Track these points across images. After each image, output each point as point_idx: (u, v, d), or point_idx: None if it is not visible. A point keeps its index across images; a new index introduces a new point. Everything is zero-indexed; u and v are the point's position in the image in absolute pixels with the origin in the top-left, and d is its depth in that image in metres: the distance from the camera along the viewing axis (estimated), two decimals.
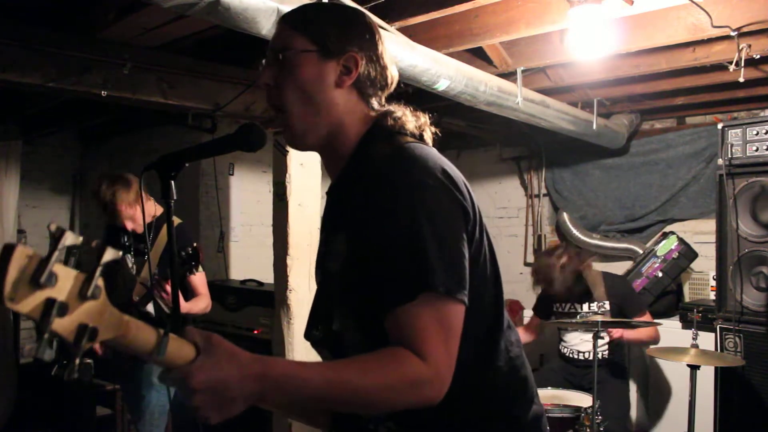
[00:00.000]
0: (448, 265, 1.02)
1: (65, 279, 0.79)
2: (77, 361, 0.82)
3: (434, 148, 1.16)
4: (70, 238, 0.80)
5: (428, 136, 1.21)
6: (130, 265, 3.00)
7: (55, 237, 0.79)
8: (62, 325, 0.79)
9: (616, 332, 3.39)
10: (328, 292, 1.20)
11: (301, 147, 1.21)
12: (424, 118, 1.22)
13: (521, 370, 1.20)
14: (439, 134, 1.24)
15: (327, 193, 1.26)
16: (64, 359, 0.83)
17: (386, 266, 1.03)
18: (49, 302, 0.77)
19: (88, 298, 0.81)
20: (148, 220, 3.03)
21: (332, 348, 1.19)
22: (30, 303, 0.76)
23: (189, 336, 0.93)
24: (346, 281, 1.12)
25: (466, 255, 1.06)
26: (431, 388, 0.99)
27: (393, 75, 1.24)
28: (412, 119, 1.19)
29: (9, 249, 0.74)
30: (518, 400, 1.19)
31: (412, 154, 1.09)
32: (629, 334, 3.46)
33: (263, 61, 1.20)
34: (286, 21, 1.21)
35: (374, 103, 1.21)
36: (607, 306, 3.54)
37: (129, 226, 2.98)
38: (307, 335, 1.22)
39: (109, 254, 0.83)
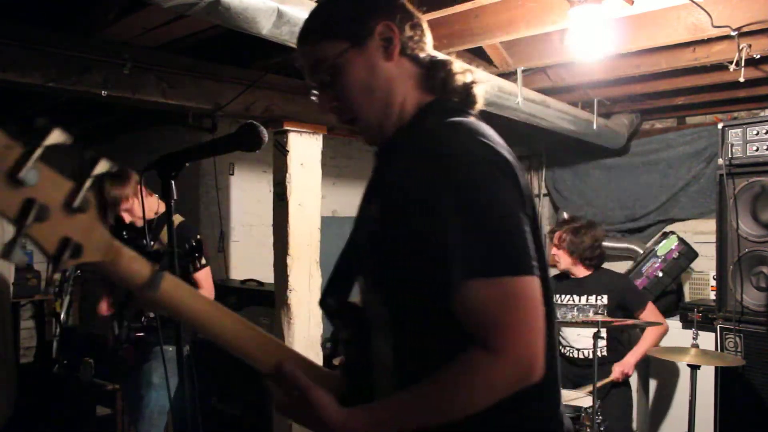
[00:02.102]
0: (511, 246, 0.96)
1: (49, 182, 0.70)
2: (56, 276, 0.76)
3: (486, 125, 1.09)
4: (55, 136, 0.70)
5: (479, 94, 1.15)
6: None
7: (40, 132, 0.69)
8: (42, 232, 0.70)
9: (619, 374, 3.36)
10: (350, 263, 1.15)
11: (384, 139, 1.16)
12: (476, 74, 1.16)
13: (558, 374, 1.12)
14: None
15: (375, 154, 1.21)
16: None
17: (439, 253, 0.96)
18: (28, 202, 0.68)
19: (75, 209, 0.72)
20: (150, 216, 3.03)
21: (346, 319, 1.14)
22: (5, 200, 0.67)
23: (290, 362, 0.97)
24: (376, 256, 1.06)
25: (529, 233, 0.98)
26: (516, 375, 0.94)
27: (422, 19, 1.17)
28: (460, 75, 1.13)
29: None
30: (557, 407, 1.10)
31: (467, 129, 1.03)
32: (640, 349, 3.43)
33: (313, 92, 1.15)
34: (304, 40, 1.15)
35: (422, 57, 1.15)
36: (605, 300, 3.53)
37: (126, 218, 2.97)
38: (322, 303, 1.17)
39: (103, 165, 0.75)
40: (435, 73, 1.14)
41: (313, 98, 1.15)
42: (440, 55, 1.16)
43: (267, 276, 3.86)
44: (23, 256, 0.68)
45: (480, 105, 1.15)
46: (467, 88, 1.14)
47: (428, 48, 1.17)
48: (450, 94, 1.14)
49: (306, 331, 3.43)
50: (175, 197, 1.22)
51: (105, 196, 2.89)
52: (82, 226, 0.74)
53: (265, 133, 1.21)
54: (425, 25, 1.17)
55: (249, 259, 4.86)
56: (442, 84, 1.13)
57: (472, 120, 1.09)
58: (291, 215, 3.37)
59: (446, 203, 0.95)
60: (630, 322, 3.34)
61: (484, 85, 1.16)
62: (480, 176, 0.97)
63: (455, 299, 0.95)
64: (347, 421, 0.95)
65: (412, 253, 0.99)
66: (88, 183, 0.73)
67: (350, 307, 1.11)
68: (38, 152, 0.68)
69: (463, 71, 1.14)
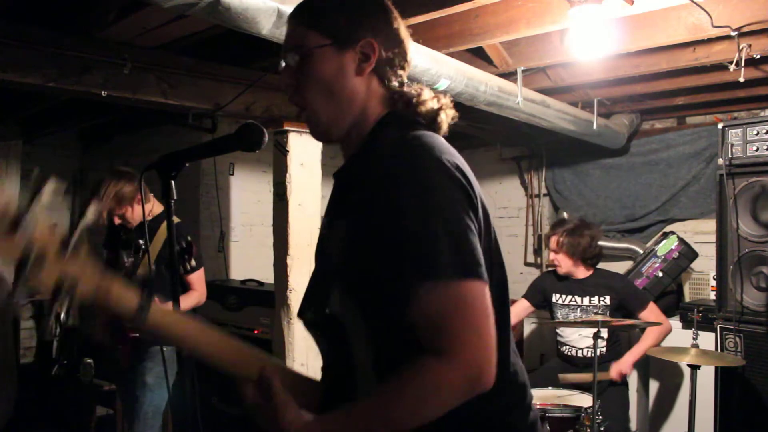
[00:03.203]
0: (456, 251, 0.97)
1: (44, 232, 0.86)
2: (53, 312, 0.92)
3: (442, 138, 1.12)
4: (48, 192, 0.87)
5: (444, 119, 1.17)
6: (125, 261, 2.99)
7: (36, 186, 0.87)
8: (40, 275, 0.85)
9: (616, 373, 3.40)
10: (325, 276, 1.18)
11: (327, 140, 1.20)
12: (444, 100, 1.18)
13: (520, 376, 1.15)
14: (456, 120, 1.20)
15: (334, 175, 1.24)
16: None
17: (392, 261, 0.99)
18: (27, 249, 0.84)
19: (68, 251, 0.87)
20: (146, 218, 3.03)
21: (324, 331, 1.17)
22: (7, 248, 0.83)
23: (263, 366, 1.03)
24: (349, 270, 1.08)
25: (476, 239, 1.01)
26: (465, 381, 0.94)
27: (410, 49, 1.22)
28: (429, 101, 1.16)
29: None
30: (516, 408, 1.13)
31: (419, 142, 1.05)
32: (639, 349, 3.44)
33: (281, 63, 1.17)
34: (295, 18, 1.18)
35: (395, 83, 1.18)
36: (608, 300, 3.53)
37: (117, 221, 2.98)
38: (301, 314, 1.20)
39: (91, 213, 0.93)
40: (402, 97, 1.17)
41: (280, 68, 1.18)
42: (414, 85, 1.19)
43: (267, 276, 3.86)
44: (26, 298, 0.79)
45: (444, 131, 1.17)
46: (433, 114, 1.16)
47: (404, 76, 1.20)
48: (414, 117, 1.16)
49: (306, 331, 3.43)
50: (175, 197, 1.22)
51: (104, 197, 2.88)
52: (76, 263, 0.89)
53: (265, 133, 1.21)
54: (410, 56, 1.21)
55: (249, 259, 4.86)
56: (407, 106, 1.16)
57: (427, 133, 1.10)
58: (291, 215, 3.37)
59: (398, 215, 0.99)
60: (631, 322, 3.34)
61: (452, 111, 1.18)
62: (431, 188, 1.00)
63: (409, 306, 0.97)
64: (302, 428, 0.98)
65: (379, 265, 1.02)
66: (77, 233, 0.88)
67: (328, 317, 1.11)
68: (35, 204, 0.85)
69: (432, 98, 1.17)
